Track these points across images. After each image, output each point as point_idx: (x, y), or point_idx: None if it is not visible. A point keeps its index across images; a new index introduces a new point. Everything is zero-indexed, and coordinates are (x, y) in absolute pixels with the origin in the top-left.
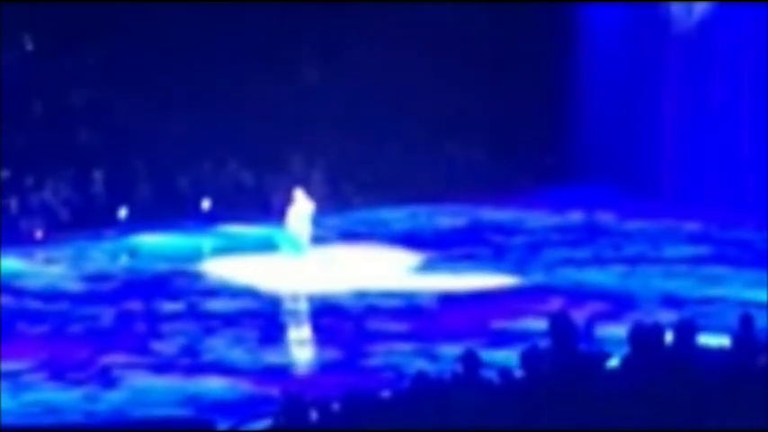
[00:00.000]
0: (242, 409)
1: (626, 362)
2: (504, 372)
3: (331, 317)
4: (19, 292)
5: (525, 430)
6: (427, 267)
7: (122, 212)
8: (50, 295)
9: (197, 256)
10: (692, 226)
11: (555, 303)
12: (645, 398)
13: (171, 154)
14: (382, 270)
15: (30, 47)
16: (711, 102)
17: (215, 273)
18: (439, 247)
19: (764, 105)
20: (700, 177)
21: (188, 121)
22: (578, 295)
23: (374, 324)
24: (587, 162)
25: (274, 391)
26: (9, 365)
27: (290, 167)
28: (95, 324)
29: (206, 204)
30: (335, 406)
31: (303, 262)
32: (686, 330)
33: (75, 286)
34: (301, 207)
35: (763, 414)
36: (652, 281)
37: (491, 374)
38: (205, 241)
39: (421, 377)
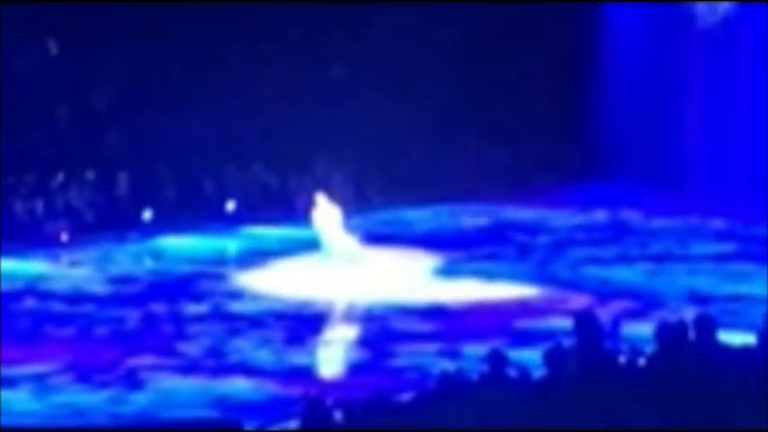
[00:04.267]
0: (268, 410)
1: (652, 360)
2: (530, 371)
3: (355, 318)
4: (45, 295)
5: (550, 430)
6: (451, 267)
7: (147, 214)
8: (76, 298)
9: (222, 257)
10: (717, 223)
11: (580, 302)
12: (670, 396)
13: (195, 156)
14: (406, 271)
15: (55, 50)
16: (735, 98)
17: (240, 274)
18: (462, 246)
19: None
20: (725, 174)
21: (212, 123)
22: (604, 294)
23: (398, 324)
24: (612, 160)
25: (300, 391)
26: (36, 368)
27: (313, 169)
28: (121, 326)
29: (230, 206)
30: (360, 406)
31: (328, 264)
32: (706, 327)
33: (100, 288)
34: (327, 213)
35: None
36: (678, 278)
37: (516, 374)
38: (230, 243)
39: (446, 377)
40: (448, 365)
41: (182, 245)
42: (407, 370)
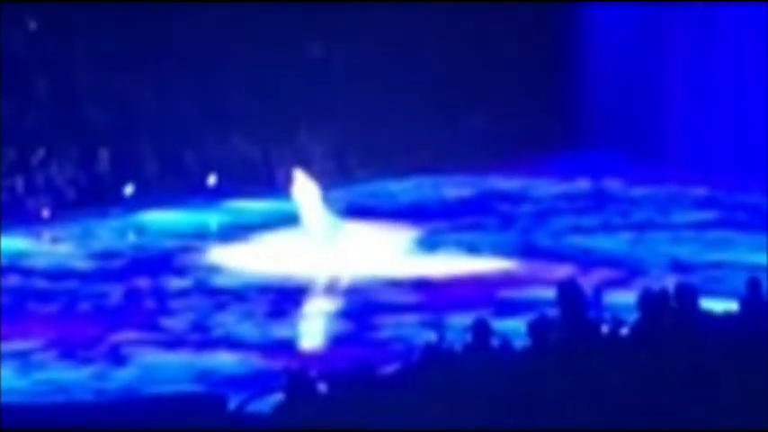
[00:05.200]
0: (252, 383)
1: (635, 328)
2: (514, 341)
3: (338, 290)
4: (27, 272)
5: (534, 397)
6: (434, 238)
7: (128, 190)
8: (58, 274)
9: (204, 232)
10: (699, 191)
11: (563, 271)
12: (653, 364)
13: (176, 130)
14: (389, 242)
15: (33, 24)
16: (717, 66)
17: (222, 248)
18: (445, 217)
19: None
20: (706, 142)
21: (193, 98)
22: (586, 263)
23: (381, 296)
24: (593, 129)
25: (284, 364)
26: (19, 345)
27: (294, 142)
28: (104, 302)
29: (212, 180)
30: (344, 378)
31: (309, 238)
32: (688, 295)
33: (82, 264)
34: (305, 188)
35: None
36: (660, 247)
37: (500, 344)
38: (212, 217)
39: (430, 348)
40: (432, 336)
41: (164, 219)
42: (391, 341)
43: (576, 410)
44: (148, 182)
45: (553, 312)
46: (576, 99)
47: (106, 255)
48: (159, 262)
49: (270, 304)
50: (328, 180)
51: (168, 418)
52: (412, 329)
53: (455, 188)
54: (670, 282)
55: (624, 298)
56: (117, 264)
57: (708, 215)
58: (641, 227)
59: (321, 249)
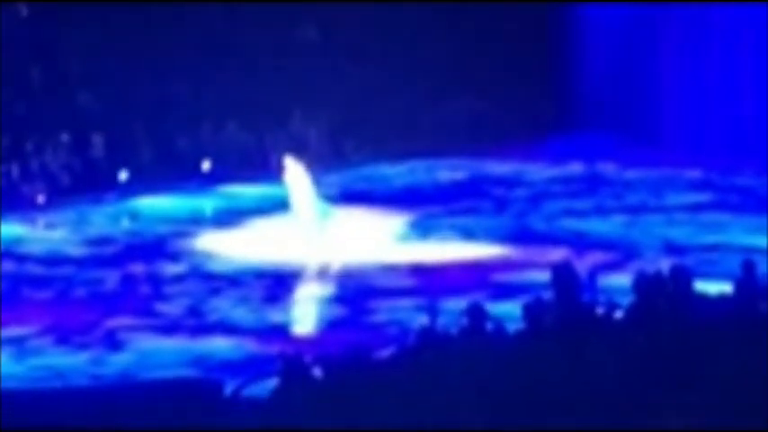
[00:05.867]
0: (248, 368)
1: (630, 311)
2: (508, 324)
3: (333, 275)
4: (21, 258)
5: (530, 381)
6: (428, 222)
7: (122, 175)
8: (53, 260)
9: (198, 217)
10: (692, 173)
11: (557, 255)
12: (648, 346)
13: (170, 116)
14: (383, 226)
15: (25, 11)
16: (711, 48)
17: (216, 234)
18: (439, 201)
19: (765, 51)
20: (699, 124)
21: (186, 83)
22: (580, 246)
23: (376, 281)
24: (587, 112)
25: (279, 349)
26: (14, 331)
27: (288, 126)
28: (99, 288)
29: (206, 165)
30: (340, 362)
31: (302, 224)
32: (682, 277)
33: (77, 250)
34: (297, 175)
35: (765, 358)
36: (654, 229)
37: (495, 327)
38: (206, 202)
39: (425, 332)
40: (427, 320)
41: (158, 205)
42: (386, 326)
43: (571, 393)
44: (143, 167)
45: (548, 295)
46: (569, 82)
47: (101, 240)
48: (154, 247)
49: (264, 289)
50: (323, 164)
51: (164, 403)
52: (407, 313)
53: (449, 172)
54: (664, 264)
55: (619, 281)
56: (112, 249)
57: (702, 197)
58: (635, 210)
59: (312, 236)
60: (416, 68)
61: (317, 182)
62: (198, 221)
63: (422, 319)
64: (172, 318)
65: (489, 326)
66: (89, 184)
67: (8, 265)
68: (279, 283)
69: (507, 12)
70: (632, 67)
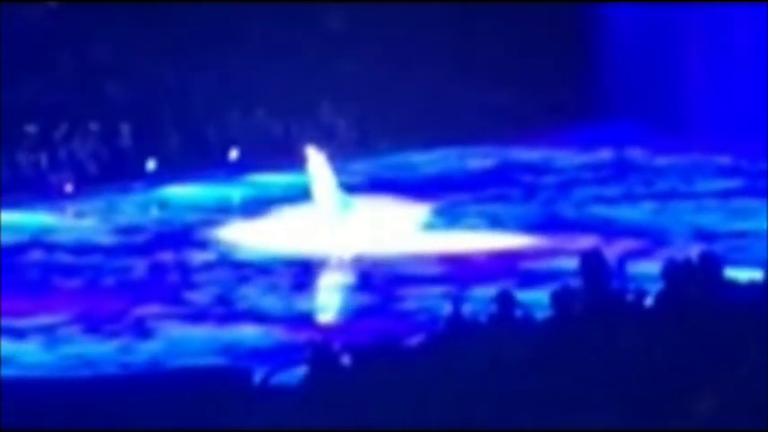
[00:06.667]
0: (276, 356)
1: (659, 298)
2: (537, 311)
3: (361, 263)
4: (51, 247)
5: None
6: (457, 210)
7: (151, 164)
8: (82, 249)
9: (227, 205)
10: (722, 159)
11: (586, 242)
12: (677, 334)
13: (198, 104)
14: (412, 214)
15: (54, 2)
16: (740, 34)
17: (245, 222)
18: (468, 189)
19: None
20: (728, 110)
21: (214, 71)
22: (609, 233)
23: (405, 269)
24: (616, 99)
25: (308, 337)
26: (44, 319)
27: (317, 115)
28: (128, 276)
29: (234, 154)
30: (368, 350)
31: (327, 212)
32: (712, 264)
33: (106, 239)
34: (319, 166)
35: None
36: (683, 216)
37: (524, 315)
38: (234, 191)
39: (454, 319)
40: (456, 308)
41: (186, 193)
42: (415, 313)
43: (600, 381)
44: (171, 156)
45: (576, 283)
46: (597, 69)
47: (130, 229)
48: (182, 236)
49: (293, 277)
50: (351, 153)
51: (193, 391)
52: (436, 301)
53: (478, 160)
54: (694, 251)
55: (648, 268)
56: (140, 238)
57: (731, 183)
58: (665, 196)
59: (332, 227)
60: (445, 57)
61: (345, 170)
62: (226, 210)
63: (449, 308)
64: (200, 306)
65: (518, 313)
66: (117, 172)
67: (38, 255)
68: (307, 271)
69: (538, 1)
70: (661, 53)
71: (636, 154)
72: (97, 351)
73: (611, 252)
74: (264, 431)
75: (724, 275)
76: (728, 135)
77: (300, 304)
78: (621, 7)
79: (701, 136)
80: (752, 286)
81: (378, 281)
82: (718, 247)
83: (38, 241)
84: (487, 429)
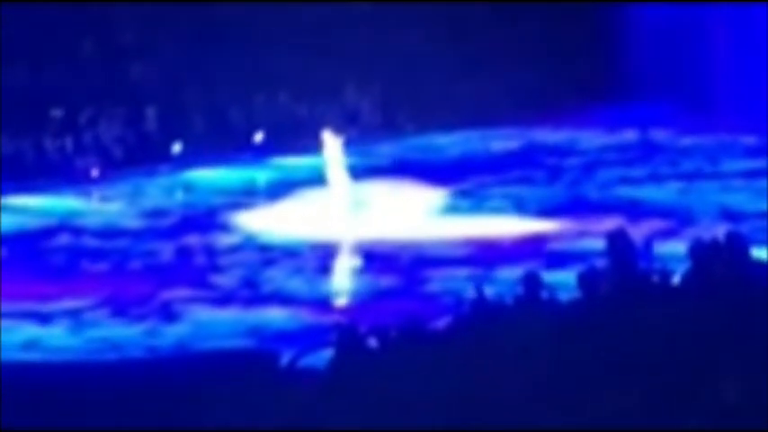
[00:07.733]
0: (303, 338)
1: (685, 278)
2: (563, 293)
3: (387, 245)
4: (78, 231)
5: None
6: (481, 191)
7: (176, 148)
8: (109, 233)
9: (252, 188)
10: (748, 139)
11: (612, 223)
12: (704, 314)
13: (223, 87)
14: (435, 196)
15: None
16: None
17: (271, 205)
18: (493, 170)
19: None
20: (754, 90)
21: (239, 54)
22: (635, 214)
23: (430, 251)
24: (640, 79)
25: (334, 319)
26: (71, 303)
27: (342, 97)
28: (155, 260)
29: (259, 137)
30: (394, 332)
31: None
32: (739, 244)
33: (132, 223)
34: (334, 151)
35: None
36: (709, 196)
37: (550, 296)
38: (260, 174)
39: (480, 301)
40: (482, 290)
41: (212, 177)
42: (440, 295)
43: (626, 361)
44: (196, 139)
45: (603, 264)
46: (622, 50)
47: (156, 213)
48: (208, 219)
49: (319, 259)
50: (376, 134)
51: (221, 374)
52: (461, 283)
53: (502, 141)
54: (720, 231)
55: (674, 248)
56: (166, 221)
57: (758, 163)
58: (690, 176)
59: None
60: (469, 39)
61: (370, 153)
62: (252, 193)
63: (475, 290)
64: (227, 289)
65: (544, 295)
66: (143, 156)
67: (64, 239)
68: (333, 254)
69: None
70: (686, 34)
71: (661, 134)
72: (124, 335)
73: (638, 233)
74: (291, 413)
75: (750, 255)
76: (754, 115)
77: (326, 287)
78: None
79: (726, 116)
80: None
81: (403, 263)
82: (744, 227)
83: (65, 225)
84: (514, 410)
